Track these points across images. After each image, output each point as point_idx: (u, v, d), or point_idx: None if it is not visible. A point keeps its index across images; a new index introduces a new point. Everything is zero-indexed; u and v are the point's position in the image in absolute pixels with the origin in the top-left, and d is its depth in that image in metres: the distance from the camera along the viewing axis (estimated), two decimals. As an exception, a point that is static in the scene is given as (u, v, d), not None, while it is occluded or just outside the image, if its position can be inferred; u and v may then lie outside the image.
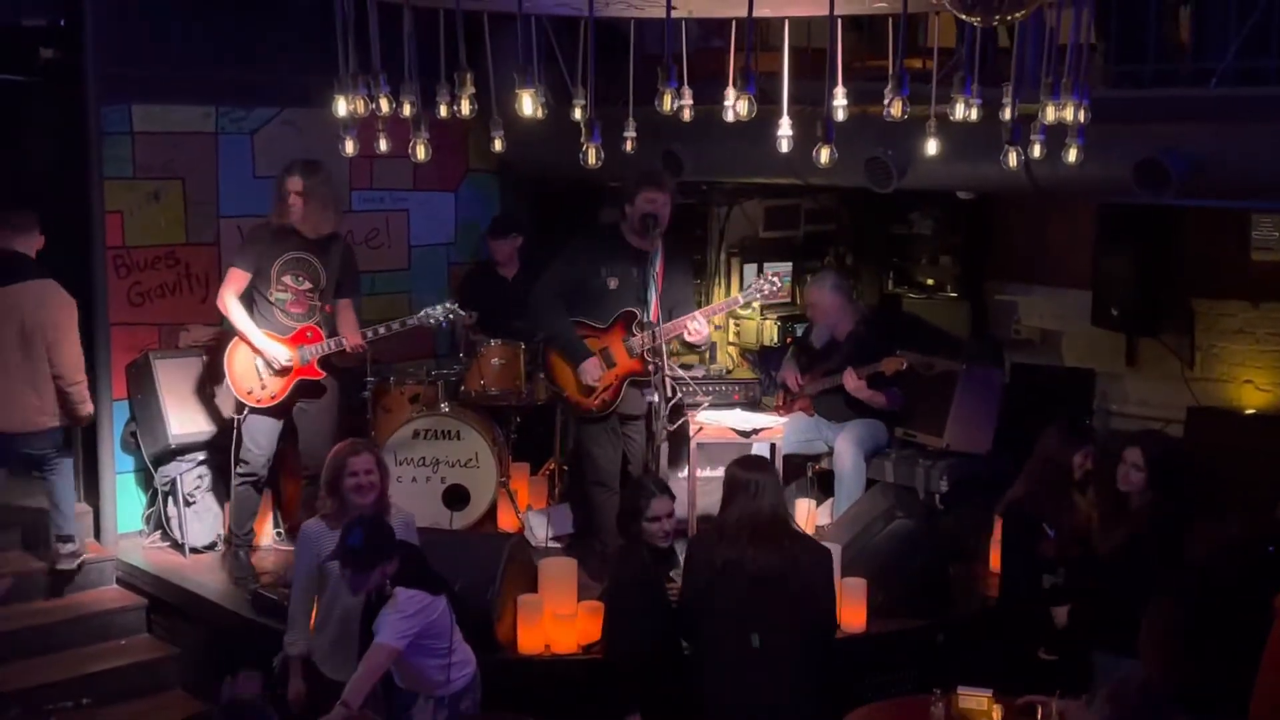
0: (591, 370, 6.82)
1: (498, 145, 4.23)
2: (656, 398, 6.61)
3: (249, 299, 6.91)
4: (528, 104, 3.69)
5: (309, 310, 6.95)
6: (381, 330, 7.03)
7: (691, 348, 7.03)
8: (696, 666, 5.38)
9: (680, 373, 6.87)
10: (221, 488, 7.46)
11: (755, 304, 6.67)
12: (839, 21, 4.07)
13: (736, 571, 5.25)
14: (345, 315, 7.03)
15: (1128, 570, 5.53)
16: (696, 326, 6.78)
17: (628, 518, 5.69)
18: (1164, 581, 5.27)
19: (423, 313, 7.18)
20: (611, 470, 6.97)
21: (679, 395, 6.86)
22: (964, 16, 3.78)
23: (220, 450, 7.37)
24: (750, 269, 8.79)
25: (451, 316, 7.22)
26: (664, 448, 6.85)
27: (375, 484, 5.38)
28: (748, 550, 5.26)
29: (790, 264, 8.97)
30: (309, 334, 6.94)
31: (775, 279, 7.08)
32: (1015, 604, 6.06)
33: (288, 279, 6.89)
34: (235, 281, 6.90)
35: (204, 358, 7.64)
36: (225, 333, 7.23)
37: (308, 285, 6.93)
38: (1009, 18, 3.68)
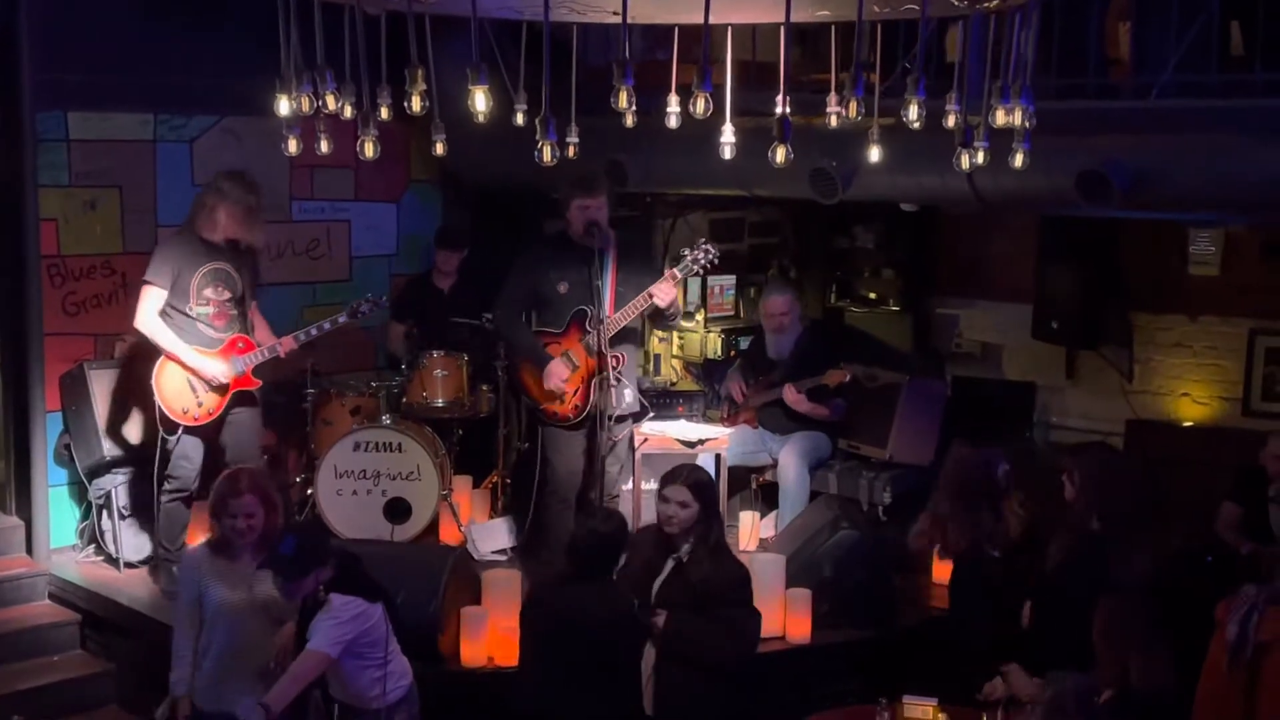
0: (558, 372, 6.71)
1: (439, 149, 4.17)
2: (630, 396, 6.63)
3: (162, 316, 6.68)
4: (480, 100, 3.63)
5: (230, 321, 6.79)
6: (314, 331, 6.94)
7: (664, 316, 6.82)
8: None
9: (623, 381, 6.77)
10: (156, 502, 7.28)
11: (696, 270, 6.83)
12: (785, 29, 4.06)
13: None
14: (259, 321, 6.94)
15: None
16: (664, 289, 6.62)
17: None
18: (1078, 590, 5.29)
19: (347, 308, 7.08)
20: (571, 482, 6.87)
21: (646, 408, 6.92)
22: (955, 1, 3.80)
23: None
24: (694, 281, 8.80)
25: (372, 307, 7.15)
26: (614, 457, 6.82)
27: (256, 528, 5.12)
28: None
29: (734, 277, 8.99)
30: (240, 344, 6.78)
31: (709, 247, 6.83)
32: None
33: (209, 291, 6.70)
34: (155, 299, 6.63)
35: (119, 370, 7.39)
36: (143, 347, 6.95)
37: (227, 295, 6.76)
38: (993, 5, 3.70)
